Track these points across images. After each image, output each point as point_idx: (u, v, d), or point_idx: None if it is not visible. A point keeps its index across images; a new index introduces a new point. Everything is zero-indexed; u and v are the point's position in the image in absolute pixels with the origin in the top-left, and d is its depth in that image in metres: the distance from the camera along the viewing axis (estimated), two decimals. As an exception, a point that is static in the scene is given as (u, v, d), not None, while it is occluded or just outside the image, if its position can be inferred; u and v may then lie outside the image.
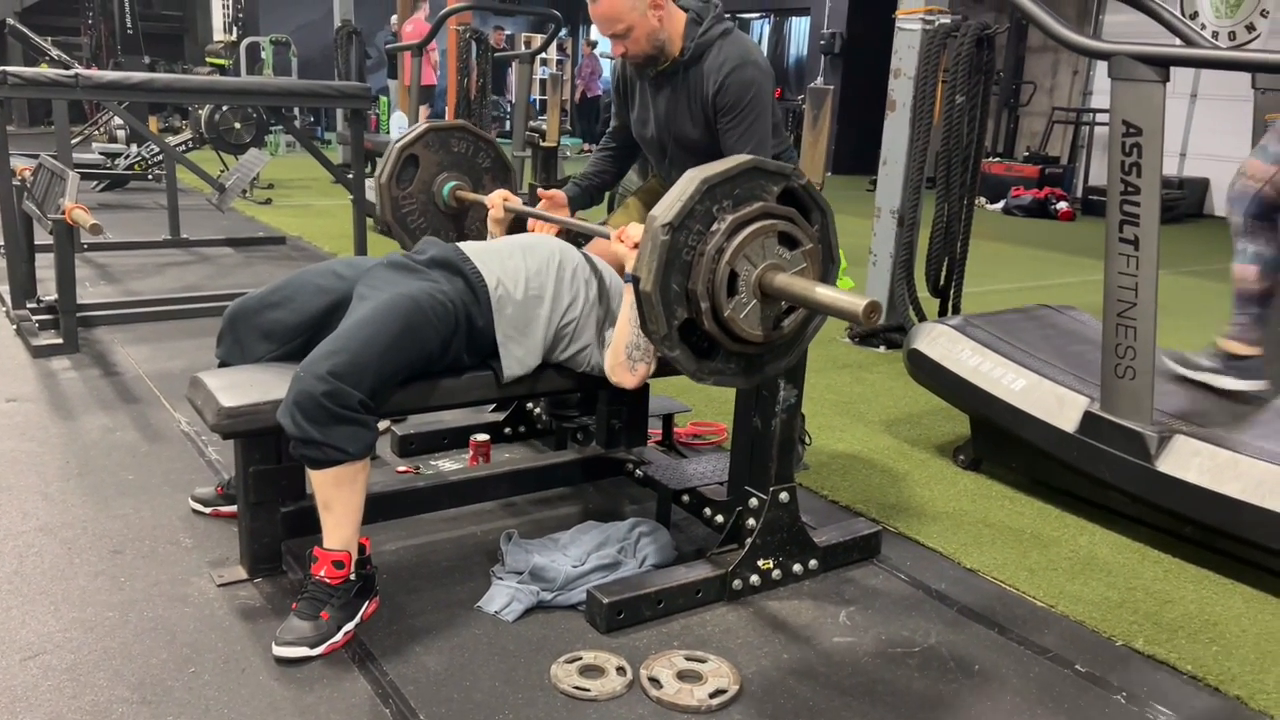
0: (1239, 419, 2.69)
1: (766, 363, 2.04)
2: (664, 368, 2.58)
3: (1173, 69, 2.40)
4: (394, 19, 9.84)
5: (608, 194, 4.46)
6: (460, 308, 2.17)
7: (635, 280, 1.86)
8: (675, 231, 1.81)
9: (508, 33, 14.57)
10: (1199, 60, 2.57)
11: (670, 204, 1.82)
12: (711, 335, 1.91)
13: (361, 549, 2.06)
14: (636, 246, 2.13)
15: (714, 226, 1.85)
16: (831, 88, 1.90)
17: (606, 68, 15.34)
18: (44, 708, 1.76)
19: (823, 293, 1.81)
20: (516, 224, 2.84)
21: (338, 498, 1.97)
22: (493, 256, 2.29)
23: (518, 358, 2.25)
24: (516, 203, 2.79)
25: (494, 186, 2.92)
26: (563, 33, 15.32)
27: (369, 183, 6.26)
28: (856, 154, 10.89)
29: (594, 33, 19.73)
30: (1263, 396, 2.81)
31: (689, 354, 1.92)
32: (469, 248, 2.31)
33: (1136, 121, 2.41)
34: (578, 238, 2.74)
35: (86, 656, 1.91)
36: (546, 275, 2.30)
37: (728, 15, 2.65)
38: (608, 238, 2.30)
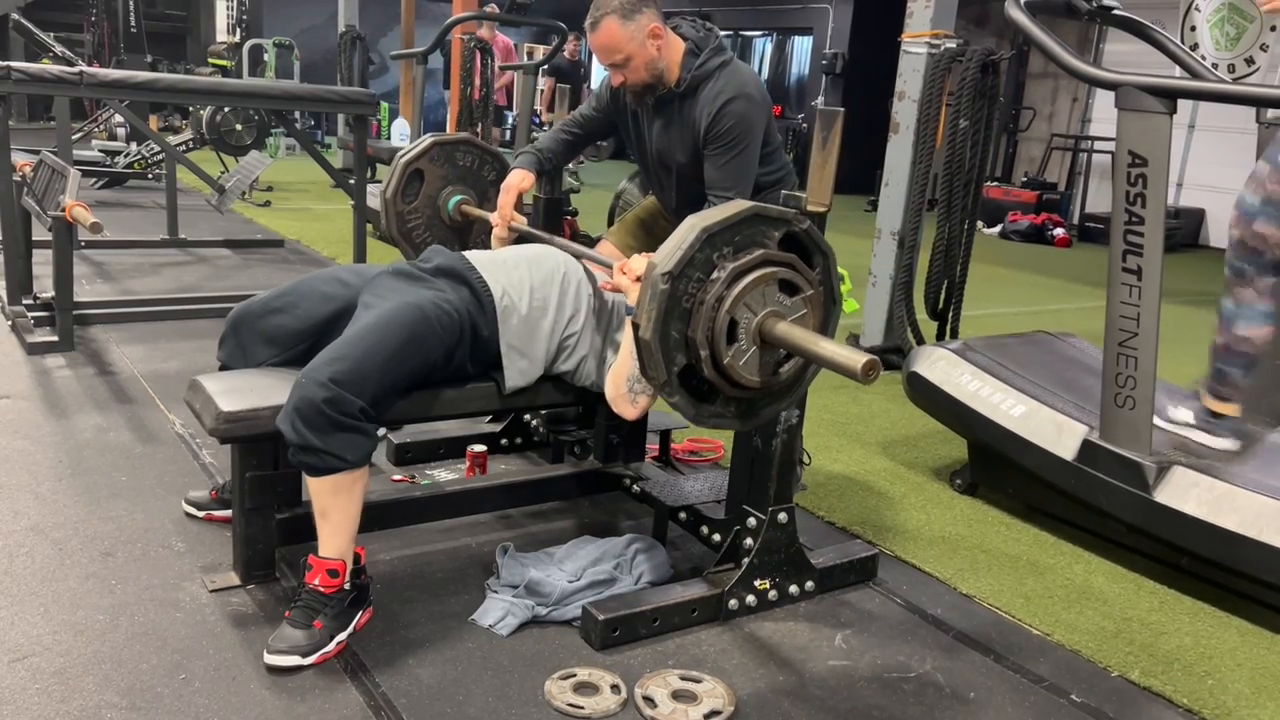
0: (1238, 451, 2.70)
1: (763, 406, 2.04)
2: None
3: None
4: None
5: (609, 209, 4.43)
6: (465, 317, 2.16)
7: (635, 325, 1.85)
8: (675, 280, 1.81)
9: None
10: (1207, 94, 2.58)
11: (670, 252, 1.82)
12: (711, 382, 1.91)
13: (356, 558, 2.04)
14: (639, 280, 2.13)
15: (714, 274, 1.85)
16: (842, 110, 1.85)
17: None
18: (31, 711, 1.74)
19: (822, 346, 1.81)
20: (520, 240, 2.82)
21: (335, 506, 1.95)
22: (499, 267, 2.28)
23: (521, 369, 2.24)
24: (522, 222, 2.78)
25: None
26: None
27: (372, 189, 6.26)
28: (855, 174, 10.89)
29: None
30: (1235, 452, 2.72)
31: (688, 399, 1.92)
32: (475, 257, 2.31)
33: (1142, 152, 2.42)
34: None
35: (75, 660, 1.89)
36: (551, 287, 2.29)
37: (729, 33, 2.64)
38: (610, 267, 2.29)
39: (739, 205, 1.89)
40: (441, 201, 2.95)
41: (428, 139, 2.95)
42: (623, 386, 2.21)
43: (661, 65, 2.56)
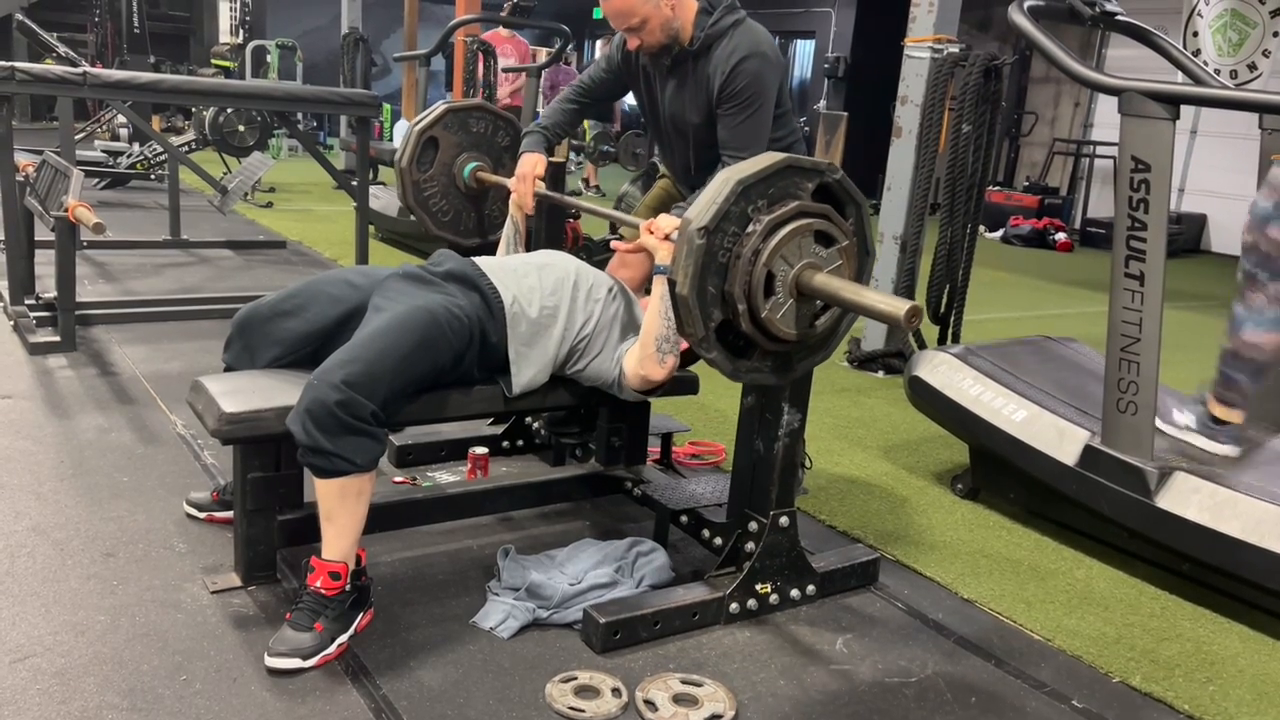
0: (1240, 458, 2.69)
1: (799, 360, 2.04)
2: (668, 386, 2.58)
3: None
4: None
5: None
6: (475, 322, 2.16)
7: (671, 282, 1.85)
8: (710, 235, 1.80)
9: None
10: (1210, 99, 2.58)
11: (704, 207, 1.81)
12: (748, 336, 1.90)
13: (358, 560, 2.04)
14: (667, 238, 2.13)
15: (749, 228, 1.84)
16: (845, 114, 1.86)
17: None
18: (32, 712, 1.74)
19: (864, 295, 1.81)
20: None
21: (341, 509, 1.95)
22: (509, 274, 2.29)
23: (529, 375, 2.24)
24: (542, 188, 2.78)
25: (514, 165, 2.88)
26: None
27: (375, 190, 6.27)
28: (857, 178, 10.87)
29: (605, 38, 19.80)
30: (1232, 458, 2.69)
31: (725, 354, 1.92)
32: (485, 263, 2.31)
33: (1145, 158, 2.42)
34: (595, 258, 2.73)
35: (76, 661, 1.89)
36: (561, 294, 2.29)
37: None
38: (636, 227, 2.29)
39: (772, 157, 1.87)
40: (457, 169, 2.95)
41: (440, 106, 2.95)
42: (651, 347, 2.21)
43: (676, 25, 2.53)
